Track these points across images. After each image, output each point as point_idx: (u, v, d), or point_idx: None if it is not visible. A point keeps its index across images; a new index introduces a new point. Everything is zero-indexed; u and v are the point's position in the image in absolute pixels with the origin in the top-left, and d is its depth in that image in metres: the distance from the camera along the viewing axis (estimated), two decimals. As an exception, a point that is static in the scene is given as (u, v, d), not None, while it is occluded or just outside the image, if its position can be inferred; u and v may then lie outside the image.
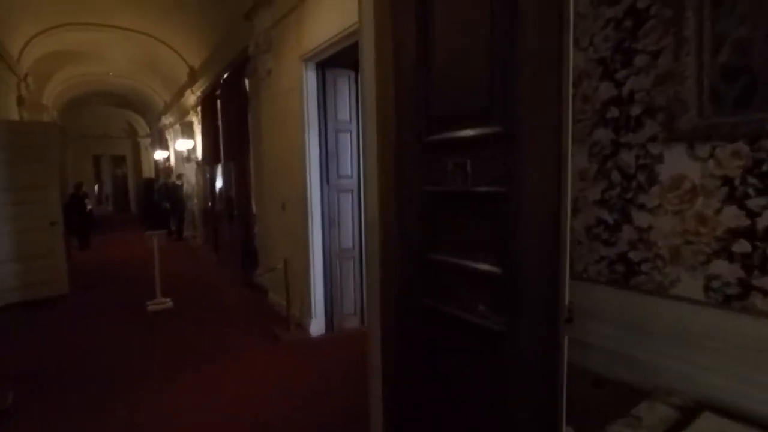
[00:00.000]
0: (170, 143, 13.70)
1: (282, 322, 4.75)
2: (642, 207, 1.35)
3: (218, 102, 8.02)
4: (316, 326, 4.60)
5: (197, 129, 10.08)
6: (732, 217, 1.13)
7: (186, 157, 11.67)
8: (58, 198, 6.37)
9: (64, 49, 8.89)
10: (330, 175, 4.54)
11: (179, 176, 12.23)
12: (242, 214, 7.19)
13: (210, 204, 9.53)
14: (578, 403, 1.35)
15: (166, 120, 13.39)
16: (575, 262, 1.53)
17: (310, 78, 4.43)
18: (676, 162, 1.26)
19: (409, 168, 1.83)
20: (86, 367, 3.94)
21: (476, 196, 1.49)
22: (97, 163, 20.39)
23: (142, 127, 18.77)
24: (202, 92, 8.98)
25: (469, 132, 1.48)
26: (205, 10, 6.70)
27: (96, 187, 20.20)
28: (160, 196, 12.22)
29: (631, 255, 1.38)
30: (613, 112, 1.46)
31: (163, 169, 15.16)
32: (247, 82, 6.25)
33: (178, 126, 11.97)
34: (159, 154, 15.35)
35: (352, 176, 4.62)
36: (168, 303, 5.68)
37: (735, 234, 1.12)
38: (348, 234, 4.66)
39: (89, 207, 11.22)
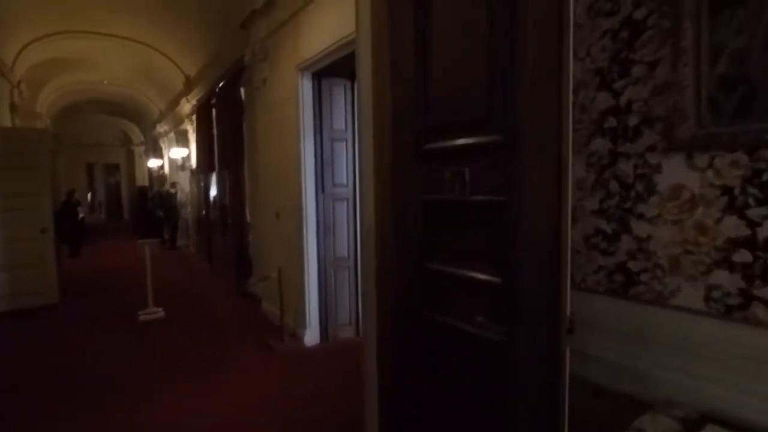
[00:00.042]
0: (164, 151, 13.64)
1: (276, 332, 4.70)
2: (641, 217, 1.34)
3: (213, 111, 8.01)
4: (311, 336, 4.55)
5: (192, 137, 10.05)
6: (732, 227, 1.12)
7: (180, 166, 11.63)
8: (50, 205, 6.31)
9: (58, 56, 8.87)
10: (325, 184, 4.53)
11: (173, 184, 12.17)
12: (236, 223, 7.15)
13: (204, 212, 9.48)
14: (578, 414, 1.34)
15: (161, 128, 13.35)
16: (573, 271, 1.52)
17: (306, 87, 4.44)
18: (674, 172, 1.26)
19: (407, 176, 1.82)
20: (74, 378, 3.86)
21: (474, 205, 1.48)
22: (90, 171, 20.27)
23: (137, 135, 18.71)
24: (198, 101, 8.97)
25: (467, 140, 1.48)
26: (201, 19, 6.72)
27: (89, 195, 20.05)
28: (154, 204, 12.15)
29: (630, 265, 1.37)
30: (611, 122, 1.46)
31: (157, 177, 15.09)
32: (242, 91, 6.24)
33: (172, 134, 11.94)
34: (153, 163, 15.29)
35: (347, 185, 4.61)
36: (160, 312, 5.61)
37: (735, 244, 1.12)
38: (343, 243, 4.63)
39: (81, 215, 11.13)
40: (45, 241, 6.15)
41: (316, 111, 4.47)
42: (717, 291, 1.16)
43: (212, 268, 8.55)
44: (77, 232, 10.48)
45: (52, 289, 6.24)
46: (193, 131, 9.80)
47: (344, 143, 4.58)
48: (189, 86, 9.22)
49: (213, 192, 8.69)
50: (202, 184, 9.51)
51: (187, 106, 9.76)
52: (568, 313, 1.13)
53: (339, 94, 4.55)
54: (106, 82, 11.49)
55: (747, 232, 1.10)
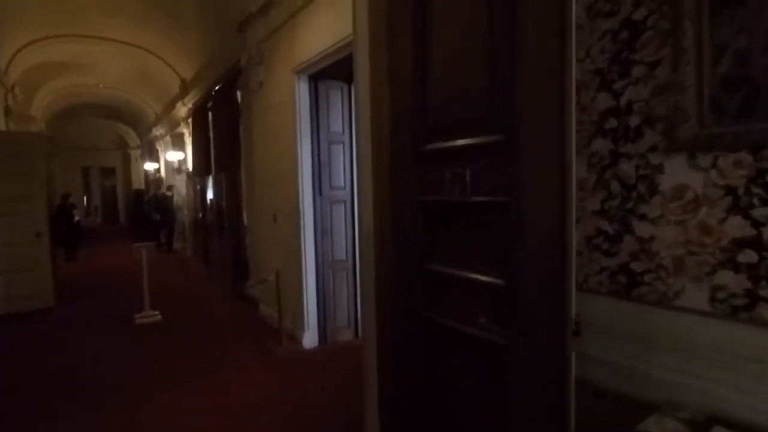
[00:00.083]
0: (161, 155, 13.60)
1: (274, 334, 4.67)
2: (643, 217, 1.33)
3: (210, 114, 7.98)
4: (309, 339, 4.53)
5: (188, 140, 10.02)
6: (736, 227, 1.12)
7: (177, 169, 11.59)
8: (45, 209, 6.27)
9: (53, 60, 8.82)
10: (322, 187, 4.52)
11: (169, 187, 12.13)
12: (233, 226, 7.12)
13: (200, 215, 9.44)
14: (578, 414, 1.33)
15: (157, 131, 13.31)
16: (575, 272, 1.51)
17: (303, 90, 4.42)
18: (677, 172, 1.25)
19: (405, 178, 1.81)
20: (73, 379, 3.83)
21: (475, 205, 1.46)
22: (86, 175, 20.18)
23: (133, 138, 18.64)
24: (194, 104, 8.94)
25: (467, 141, 1.47)
26: (197, 22, 6.70)
27: (85, 198, 19.96)
28: (150, 207, 12.09)
29: (633, 266, 1.36)
30: (612, 122, 1.45)
31: (153, 180, 15.03)
32: (239, 94, 6.23)
33: (168, 137, 11.90)
34: (149, 166, 15.24)
35: (344, 187, 4.60)
36: (157, 316, 5.57)
37: (740, 244, 1.11)
38: (341, 245, 4.62)
39: (77, 218, 11.07)
40: (40, 245, 6.10)
41: (313, 113, 4.46)
42: (722, 292, 1.15)
43: (209, 271, 8.50)
44: (73, 236, 10.43)
45: (47, 292, 6.20)
46: (190, 134, 9.76)
47: (341, 146, 4.57)
48: (185, 89, 9.19)
49: (209, 195, 8.66)
50: (199, 187, 9.47)
51: (183, 109, 9.73)
52: (573, 315, 1.12)
53: (336, 97, 4.54)
54: (101, 85, 11.44)
55: (752, 232, 1.09)
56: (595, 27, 1.52)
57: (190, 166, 10.11)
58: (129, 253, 6.84)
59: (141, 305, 5.55)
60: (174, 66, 8.91)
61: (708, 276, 1.18)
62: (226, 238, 7.40)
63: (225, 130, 7.07)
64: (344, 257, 4.63)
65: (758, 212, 1.08)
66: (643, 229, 1.33)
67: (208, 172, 8.49)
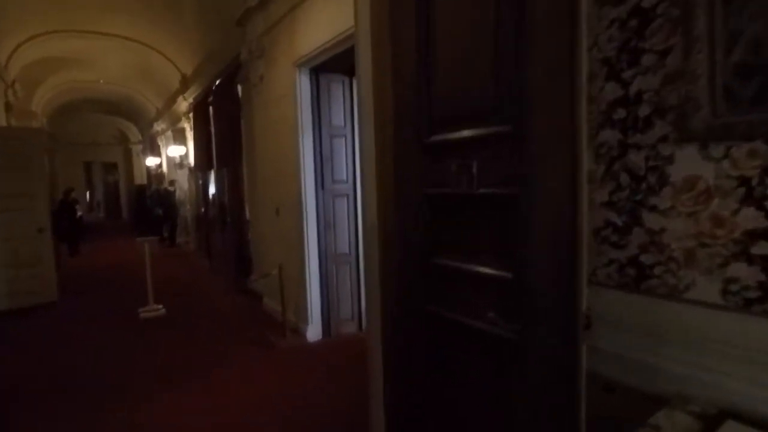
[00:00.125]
0: (162, 150, 13.59)
1: (277, 328, 4.68)
2: (653, 209, 1.31)
3: (211, 108, 7.96)
4: (313, 332, 4.53)
5: (189, 135, 10.00)
6: (750, 218, 1.09)
7: (178, 164, 11.58)
8: (47, 205, 6.28)
9: (54, 55, 8.79)
10: (325, 180, 4.50)
11: (172, 182, 12.15)
12: (235, 220, 7.12)
13: (203, 210, 9.44)
14: (588, 408, 1.31)
15: (158, 126, 13.29)
16: (583, 265, 1.49)
17: (304, 83, 4.40)
18: (688, 162, 1.23)
19: (410, 170, 1.78)
20: (74, 377, 3.84)
21: (482, 198, 1.44)
22: (88, 170, 20.21)
23: (134, 133, 18.62)
24: (195, 99, 8.91)
25: (474, 132, 1.44)
26: (197, 17, 6.66)
27: (87, 194, 19.98)
28: (153, 202, 12.13)
29: (643, 258, 1.34)
30: (620, 112, 1.42)
31: (155, 175, 15.04)
32: (239, 88, 6.20)
33: (170, 132, 11.88)
34: (151, 161, 15.24)
35: (347, 181, 4.58)
36: (160, 310, 5.58)
37: (753, 236, 1.09)
38: (344, 238, 4.61)
39: (79, 213, 11.09)
40: (42, 240, 6.12)
41: (315, 107, 4.43)
42: (735, 284, 1.13)
43: (212, 265, 8.52)
44: (75, 231, 10.45)
45: (50, 287, 6.22)
46: (191, 129, 9.74)
47: (343, 139, 4.55)
48: (185, 84, 9.15)
49: (212, 190, 8.65)
50: (201, 182, 9.46)
51: (184, 104, 9.70)
52: (584, 308, 1.10)
53: (337, 90, 4.51)
54: (102, 80, 11.41)
55: (766, 223, 1.07)
56: (603, 15, 1.49)
57: (191, 161, 10.10)
58: (132, 248, 6.87)
59: (145, 299, 5.57)
60: (174, 61, 8.87)
61: (720, 268, 1.15)
62: (228, 233, 7.40)
63: (226, 125, 7.05)
64: (347, 250, 4.62)
65: (773, 203, 1.06)
66: (652, 220, 1.31)
67: (210, 167, 8.48)
